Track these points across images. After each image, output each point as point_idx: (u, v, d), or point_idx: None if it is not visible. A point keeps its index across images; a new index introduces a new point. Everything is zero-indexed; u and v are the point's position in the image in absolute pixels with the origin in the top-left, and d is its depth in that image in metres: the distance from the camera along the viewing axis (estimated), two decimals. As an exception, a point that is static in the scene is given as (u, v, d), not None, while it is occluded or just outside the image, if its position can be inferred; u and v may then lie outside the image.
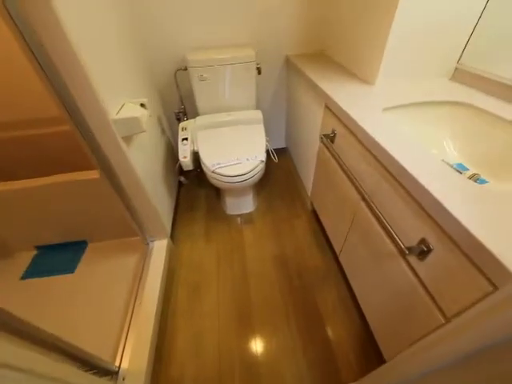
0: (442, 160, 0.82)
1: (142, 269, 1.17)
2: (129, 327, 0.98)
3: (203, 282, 1.20)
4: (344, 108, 0.85)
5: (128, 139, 0.94)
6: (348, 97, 0.92)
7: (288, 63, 1.52)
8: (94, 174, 1.04)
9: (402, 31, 0.88)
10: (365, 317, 0.95)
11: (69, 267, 1.23)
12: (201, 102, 1.45)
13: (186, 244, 1.38)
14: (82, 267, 1.24)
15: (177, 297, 1.15)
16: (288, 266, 1.25)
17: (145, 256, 1.22)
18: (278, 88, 1.67)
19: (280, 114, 1.81)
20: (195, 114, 1.51)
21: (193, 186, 1.75)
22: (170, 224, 1.38)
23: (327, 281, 1.18)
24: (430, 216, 0.54)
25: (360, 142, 0.79)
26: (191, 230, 1.45)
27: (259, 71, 1.42)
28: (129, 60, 1.11)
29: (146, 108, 1.04)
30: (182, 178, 1.62)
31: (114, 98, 0.89)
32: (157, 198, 1.19)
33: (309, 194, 1.46)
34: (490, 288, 0.43)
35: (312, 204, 1.45)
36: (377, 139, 0.68)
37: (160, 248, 1.25)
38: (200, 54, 1.32)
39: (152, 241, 1.27)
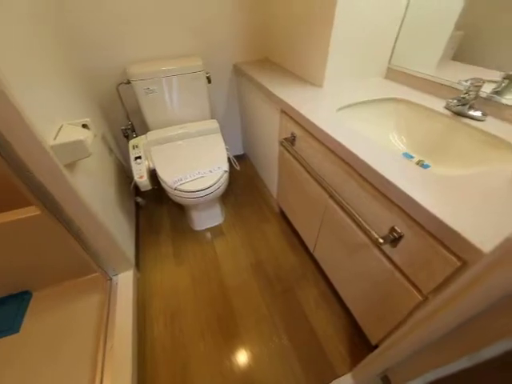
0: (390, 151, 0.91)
1: (108, 308, 1.03)
2: (102, 378, 0.85)
3: (180, 308, 1.12)
4: (301, 111, 0.88)
5: (71, 166, 0.83)
6: (302, 100, 0.96)
7: (237, 71, 1.53)
8: (33, 211, 0.89)
9: (341, 38, 0.94)
10: (348, 308, 0.99)
11: (11, 326, 1.02)
12: (150, 116, 1.36)
13: (154, 270, 1.26)
14: (28, 323, 1.04)
15: (153, 332, 1.04)
16: (266, 272, 1.24)
17: (108, 293, 1.08)
18: (230, 95, 1.66)
19: (235, 121, 1.80)
20: (145, 130, 1.41)
21: (152, 205, 1.62)
22: (133, 251, 1.26)
23: (306, 279, 1.20)
24: (395, 204, 0.58)
25: (320, 142, 0.82)
26: (158, 254, 1.34)
27: (209, 80, 1.39)
28: (64, 76, 0.98)
29: (89, 129, 0.93)
30: (139, 199, 1.50)
31: (48, 120, 0.77)
32: (113, 225, 1.07)
33: (275, 196, 1.47)
34: (458, 263, 0.48)
35: (279, 206, 1.47)
36: (336, 138, 0.72)
37: (125, 281, 1.12)
38: (143, 66, 1.24)
39: (115, 274, 1.14)
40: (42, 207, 0.81)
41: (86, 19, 1.13)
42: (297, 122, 0.94)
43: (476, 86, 0.75)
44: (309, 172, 0.93)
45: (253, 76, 1.26)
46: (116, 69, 1.29)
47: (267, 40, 1.47)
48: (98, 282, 1.13)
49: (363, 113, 0.95)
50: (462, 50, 0.95)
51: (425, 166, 0.83)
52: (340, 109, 0.91)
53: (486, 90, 0.78)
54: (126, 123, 1.47)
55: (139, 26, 1.22)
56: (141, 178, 1.16)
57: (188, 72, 1.28)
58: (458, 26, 0.91)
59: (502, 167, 0.59)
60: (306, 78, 1.16)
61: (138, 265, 1.25)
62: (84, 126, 0.93)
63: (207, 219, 1.45)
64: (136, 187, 1.23)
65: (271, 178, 1.45)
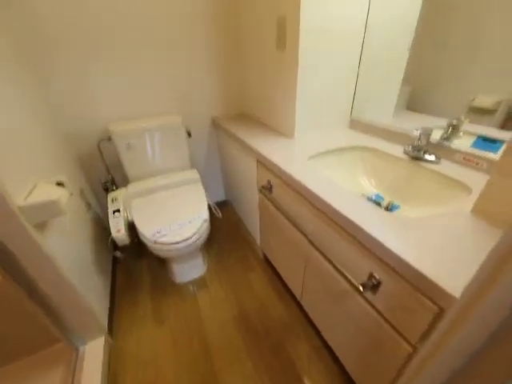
0: (363, 194, 0.96)
1: (71, 387, 0.89)
2: None
3: (159, 377, 0.99)
4: (274, 161, 0.93)
5: (42, 225, 0.79)
6: (275, 150, 1.02)
7: (215, 124, 1.63)
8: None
9: (305, 95, 1.06)
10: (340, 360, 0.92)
11: None
12: (131, 169, 1.39)
13: (130, 334, 1.14)
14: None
15: (124, 412, 0.90)
16: (252, 325, 1.15)
17: (73, 367, 0.95)
18: (210, 145, 1.74)
19: (216, 169, 1.86)
20: (125, 182, 1.42)
21: (131, 259, 1.54)
22: (107, 314, 1.15)
23: (295, 331, 1.12)
24: (370, 251, 0.59)
25: (295, 190, 0.86)
26: (135, 314, 1.23)
27: (189, 134, 1.47)
28: (44, 134, 1.01)
29: (65, 186, 0.92)
30: (118, 253, 1.42)
31: (21, 178, 0.76)
32: (85, 287, 0.99)
33: (258, 243, 1.46)
34: (436, 308, 0.47)
35: (264, 252, 1.44)
36: (308, 186, 0.75)
37: (95, 350, 1.00)
38: (124, 124, 1.30)
39: (83, 343, 1.01)
40: (3, 272, 0.75)
41: (71, 84, 1.21)
42: (271, 171, 0.99)
43: (426, 135, 0.84)
44: (288, 218, 0.95)
45: (230, 129, 1.35)
46: (97, 127, 1.35)
47: (243, 96, 1.61)
48: (62, 354, 0.99)
49: (333, 160, 1.02)
50: (412, 101, 1.09)
51: (395, 207, 0.88)
52: (311, 157, 0.97)
53: (437, 135, 0.87)
54: (106, 177, 1.47)
55: (120, 89, 1.32)
56: (118, 231, 1.12)
57: (168, 128, 1.35)
58: (405, 80, 1.07)
59: (460, 206, 0.63)
60: (279, 129, 1.25)
61: (111, 330, 1.13)
62: (60, 183, 0.93)
63: (189, 271, 1.39)
64: (114, 241, 1.18)
65: (254, 224, 1.45)
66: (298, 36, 0.92)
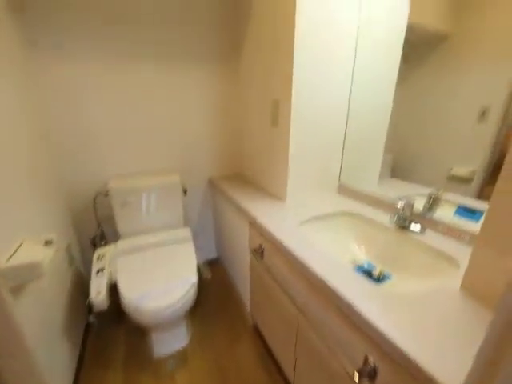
0: (355, 260, 0.96)
1: None
2: None
3: None
4: (266, 227, 0.95)
5: (18, 287, 0.75)
6: (268, 215, 1.05)
7: (211, 184, 1.71)
8: None
9: (296, 163, 1.15)
10: None
11: None
12: (123, 226, 1.38)
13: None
14: None
15: None
16: (238, 416, 0.99)
17: None
18: (204, 203, 1.78)
19: (209, 226, 1.86)
20: (115, 237, 1.39)
21: (107, 325, 1.39)
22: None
23: (287, 424, 0.96)
24: (362, 330, 0.56)
25: (286, 258, 0.85)
26: (101, 397, 1.05)
27: (185, 192, 1.52)
28: (37, 190, 1.02)
29: (52, 245, 0.90)
30: (92, 319, 1.30)
31: (9, 236, 0.75)
32: (49, 357, 0.87)
33: (248, 308, 1.36)
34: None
35: (254, 319, 1.34)
36: (300, 256, 0.75)
37: None
38: (123, 181, 1.35)
39: None
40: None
41: (73, 141, 1.29)
42: (264, 236, 1.00)
43: (409, 205, 0.89)
44: (278, 285, 0.92)
45: (225, 190, 1.41)
46: (95, 182, 1.39)
47: (240, 159, 1.73)
48: None
49: (324, 226, 1.05)
50: (396, 169, 1.19)
51: (386, 276, 0.87)
52: (302, 223, 1.00)
53: (420, 205, 0.93)
54: (96, 230, 1.45)
55: (122, 146, 1.40)
56: (98, 294, 1.05)
57: (165, 187, 1.40)
58: (388, 149, 1.18)
59: (450, 282, 0.63)
60: (272, 192, 1.31)
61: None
62: (48, 241, 0.91)
63: (170, 341, 1.25)
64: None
65: (244, 287, 1.38)
66: (290, 117, 1.05)
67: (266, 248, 1.00)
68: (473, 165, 0.95)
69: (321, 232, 1.02)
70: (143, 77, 1.34)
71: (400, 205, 0.90)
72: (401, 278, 0.83)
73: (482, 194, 0.90)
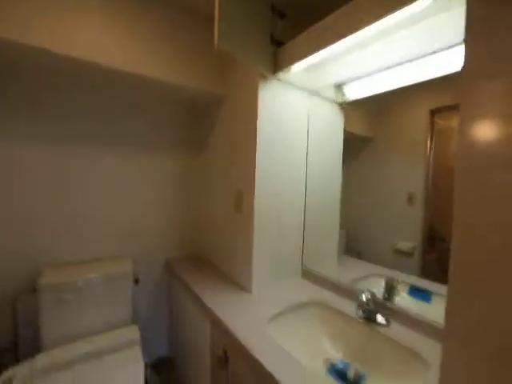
0: (328, 359, 0.88)
1: None
2: None
3: None
4: (232, 329, 0.84)
5: None
6: (233, 312, 0.95)
7: (169, 267, 1.55)
8: None
9: (262, 247, 1.13)
10: None
11: None
12: (50, 332, 1.09)
13: None
14: None
15: None
16: None
17: None
18: (159, 289, 1.58)
19: (161, 319, 1.60)
20: (35, 350, 1.08)
21: None
22: None
23: None
24: None
25: (254, 369, 0.75)
26: None
27: (137, 281, 1.34)
28: None
29: None
30: None
31: None
32: None
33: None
34: None
35: None
36: (271, 370, 0.67)
37: None
38: (58, 273, 1.14)
39: None
40: None
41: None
42: (229, 339, 0.88)
43: (373, 297, 0.91)
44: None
45: (184, 279, 1.28)
46: (19, 275, 1.15)
47: (199, 237, 1.66)
48: None
49: (294, 321, 0.99)
50: (349, 244, 1.30)
51: (361, 377, 0.81)
52: (272, 319, 0.92)
53: (379, 289, 0.96)
54: (8, 341, 1.12)
55: (56, 228, 1.23)
56: None
57: (113, 278, 1.22)
58: (341, 225, 1.31)
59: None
60: (236, 280, 1.23)
61: None
62: None
63: None
64: None
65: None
66: (254, 206, 1.09)
67: (230, 354, 0.87)
68: (412, 241, 1.08)
69: (292, 327, 0.95)
70: (90, 161, 1.31)
71: (364, 297, 0.91)
72: (376, 379, 0.78)
73: (425, 269, 1.01)
